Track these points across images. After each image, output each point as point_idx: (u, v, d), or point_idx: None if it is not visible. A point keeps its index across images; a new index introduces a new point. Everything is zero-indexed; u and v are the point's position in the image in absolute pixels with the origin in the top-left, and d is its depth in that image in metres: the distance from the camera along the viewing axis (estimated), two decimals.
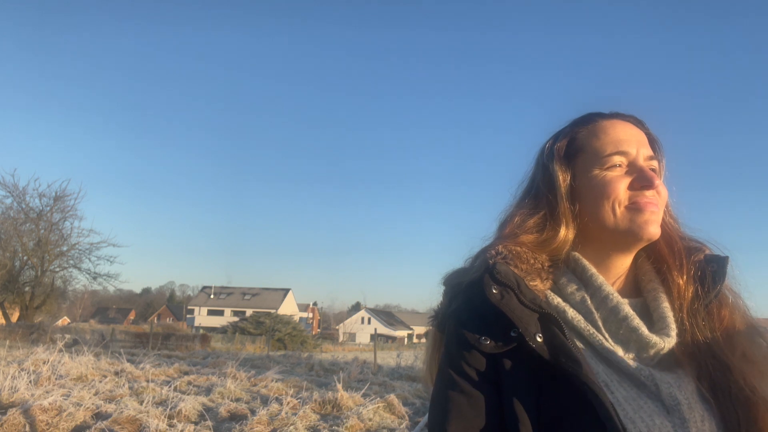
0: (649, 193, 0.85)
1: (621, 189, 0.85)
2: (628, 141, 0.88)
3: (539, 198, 0.91)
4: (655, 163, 0.89)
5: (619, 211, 0.85)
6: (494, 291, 0.78)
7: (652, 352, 0.81)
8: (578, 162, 0.89)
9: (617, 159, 0.86)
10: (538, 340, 0.75)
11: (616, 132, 0.89)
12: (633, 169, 0.87)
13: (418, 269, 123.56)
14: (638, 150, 0.88)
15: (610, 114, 0.92)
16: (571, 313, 0.83)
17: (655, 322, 0.84)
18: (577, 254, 0.89)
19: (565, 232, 0.87)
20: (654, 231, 0.85)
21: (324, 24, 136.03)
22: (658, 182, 0.86)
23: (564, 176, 0.89)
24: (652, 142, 0.92)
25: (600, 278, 0.86)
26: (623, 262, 0.89)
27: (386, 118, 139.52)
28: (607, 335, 0.82)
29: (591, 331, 0.82)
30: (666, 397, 0.76)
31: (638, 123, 0.92)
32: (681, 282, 0.86)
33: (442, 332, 0.86)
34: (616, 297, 0.84)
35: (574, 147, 0.90)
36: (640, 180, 0.85)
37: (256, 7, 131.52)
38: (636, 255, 0.91)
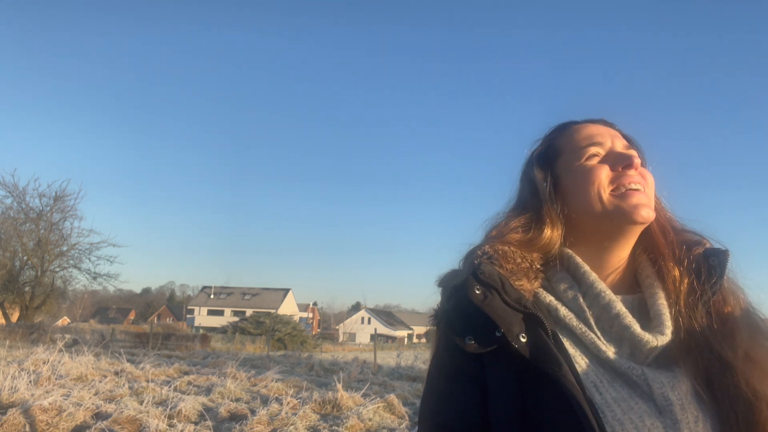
0: (631, 172, 0.86)
1: (603, 173, 0.86)
2: (601, 134, 0.91)
3: (525, 205, 0.92)
4: (633, 152, 0.90)
5: (606, 196, 0.85)
6: (477, 292, 0.78)
7: (645, 349, 0.79)
8: (558, 164, 0.92)
9: (594, 149, 0.89)
10: (522, 340, 0.74)
11: (588, 129, 0.93)
12: (611, 154, 0.89)
13: (418, 269, 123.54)
14: (613, 141, 0.91)
15: (582, 120, 0.96)
16: (563, 311, 0.82)
17: (651, 319, 0.83)
18: (569, 251, 0.88)
19: (550, 233, 0.87)
20: (646, 214, 0.84)
21: (323, 22, 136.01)
22: (638, 161, 0.87)
23: (543, 178, 0.91)
24: (627, 138, 0.94)
25: (593, 275, 0.85)
26: (618, 255, 0.88)
27: (387, 117, 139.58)
28: (599, 333, 0.81)
29: (583, 330, 0.81)
30: (658, 397, 0.74)
31: (609, 123, 0.96)
32: (676, 273, 0.85)
33: None
34: (609, 294, 0.83)
35: (553, 151, 0.94)
36: (620, 160, 0.87)
37: (256, 5, 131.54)
38: (634, 249, 0.89)
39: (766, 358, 0.78)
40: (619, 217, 0.84)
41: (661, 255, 0.88)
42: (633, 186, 0.85)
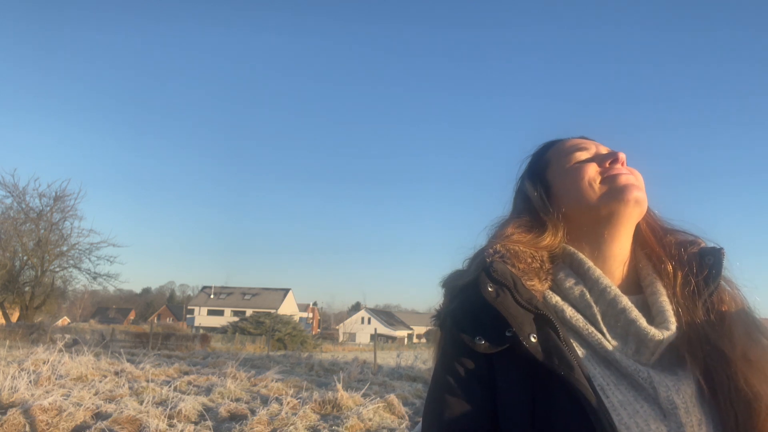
0: (618, 165, 0.89)
1: (591, 169, 0.90)
2: (585, 142, 0.97)
3: (524, 213, 0.94)
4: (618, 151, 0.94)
5: (597, 186, 0.88)
6: (490, 289, 0.78)
7: (651, 345, 0.79)
8: (548, 174, 0.96)
9: (580, 154, 0.94)
10: (532, 340, 0.74)
11: (573, 140, 0.99)
12: (597, 155, 0.94)
13: (418, 269, 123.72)
14: (597, 147, 0.96)
15: (564, 138, 1.01)
16: (569, 312, 0.82)
17: (654, 317, 0.83)
18: (571, 249, 0.89)
19: (552, 240, 0.89)
20: (638, 195, 0.86)
21: (322, 20, 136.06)
22: (623, 156, 0.90)
23: (535, 189, 0.94)
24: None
25: (597, 271, 0.85)
26: (618, 246, 0.88)
27: (388, 117, 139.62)
28: (605, 330, 0.81)
29: (590, 330, 0.80)
30: (664, 400, 0.74)
31: (590, 138, 1.01)
32: (669, 268, 0.87)
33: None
34: (614, 289, 0.83)
35: (542, 164, 0.98)
36: (606, 157, 0.91)
37: (255, 3, 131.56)
38: (633, 250, 0.90)
39: (763, 358, 0.79)
40: (611, 199, 0.86)
41: (656, 254, 0.90)
42: (623, 173, 0.88)
